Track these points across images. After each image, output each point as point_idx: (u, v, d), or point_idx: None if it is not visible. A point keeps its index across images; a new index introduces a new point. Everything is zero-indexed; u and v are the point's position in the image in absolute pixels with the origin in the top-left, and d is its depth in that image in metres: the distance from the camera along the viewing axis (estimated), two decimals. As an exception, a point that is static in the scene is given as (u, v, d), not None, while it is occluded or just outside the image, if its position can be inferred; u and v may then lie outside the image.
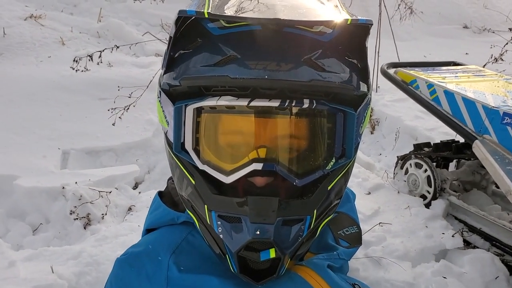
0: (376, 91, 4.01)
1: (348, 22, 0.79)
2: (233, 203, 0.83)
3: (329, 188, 0.87)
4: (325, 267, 0.97)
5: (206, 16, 0.78)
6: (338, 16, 0.82)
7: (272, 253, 0.82)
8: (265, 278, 0.85)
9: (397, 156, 2.74)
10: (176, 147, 0.88)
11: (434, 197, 2.41)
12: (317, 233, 0.91)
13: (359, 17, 0.80)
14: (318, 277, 0.93)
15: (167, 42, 0.86)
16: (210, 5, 0.82)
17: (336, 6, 0.87)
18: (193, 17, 0.81)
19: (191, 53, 0.85)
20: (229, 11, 0.82)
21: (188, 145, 0.88)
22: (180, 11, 0.78)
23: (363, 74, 0.88)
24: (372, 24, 0.81)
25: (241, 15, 0.80)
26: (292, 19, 0.78)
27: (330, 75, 0.81)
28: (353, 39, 0.85)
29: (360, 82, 0.87)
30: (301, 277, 0.92)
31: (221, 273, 0.89)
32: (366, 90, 0.88)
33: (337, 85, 0.82)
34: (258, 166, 0.83)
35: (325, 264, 0.97)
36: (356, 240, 1.19)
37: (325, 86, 0.82)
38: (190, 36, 0.85)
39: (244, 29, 0.82)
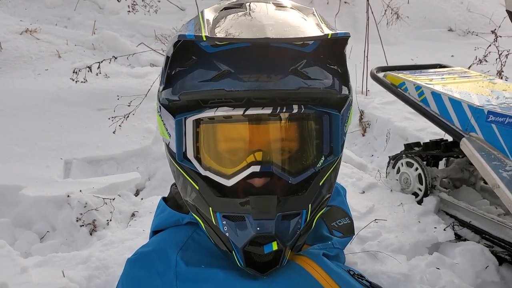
0: (366, 95, 4.07)
1: (329, 37, 0.87)
2: (236, 204, 0.91)
3: (320, 183, 0.96)
4: (320, 255, 1.04)
5: (204, 39, 0.84)
6: (319, 31, 0.90)
7: (275, 246, 0.90)
8: (269, 270, 0.93)
9: (389, 156, 2.81)
10: (179, 157, 0.96)
11: (426, 194, 2.49)
12: (313, 225, 0.99)
13: (338, 31, 0.88)
14: (315, 264, 1.01)
15: (161, 53, 0.94)
16: (206, 28, 0.89)
17: (317, 23, 0.94)
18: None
19: (188, 70, 0.92)
20: (223, 31, 0.89)
21: (190, 154, 0.95)
22: (180, 35, 0.85)
23: (344, 78, 0.97)
24: (349, 36, 0.89)
25: (235, 35, 0.87)
26: (280, 37, 0.86)
27: (315, 82, 0.90)
28: (333, 48, 0.94)
29: (342, 86, 0.96)
30: (299, 265, 1.00)
31: (225, 266, 0.96)
32: (347, 92, 0.97)
33: (322, 91, 0.91)
34: (256, 168, 0.91)
35: (320, 253, 1.05)
36: (348, 230, 1.27)
37: (311, 92, 0.91)
38: (185, 54, 0.92)
39: (235, 46, 0.89)
